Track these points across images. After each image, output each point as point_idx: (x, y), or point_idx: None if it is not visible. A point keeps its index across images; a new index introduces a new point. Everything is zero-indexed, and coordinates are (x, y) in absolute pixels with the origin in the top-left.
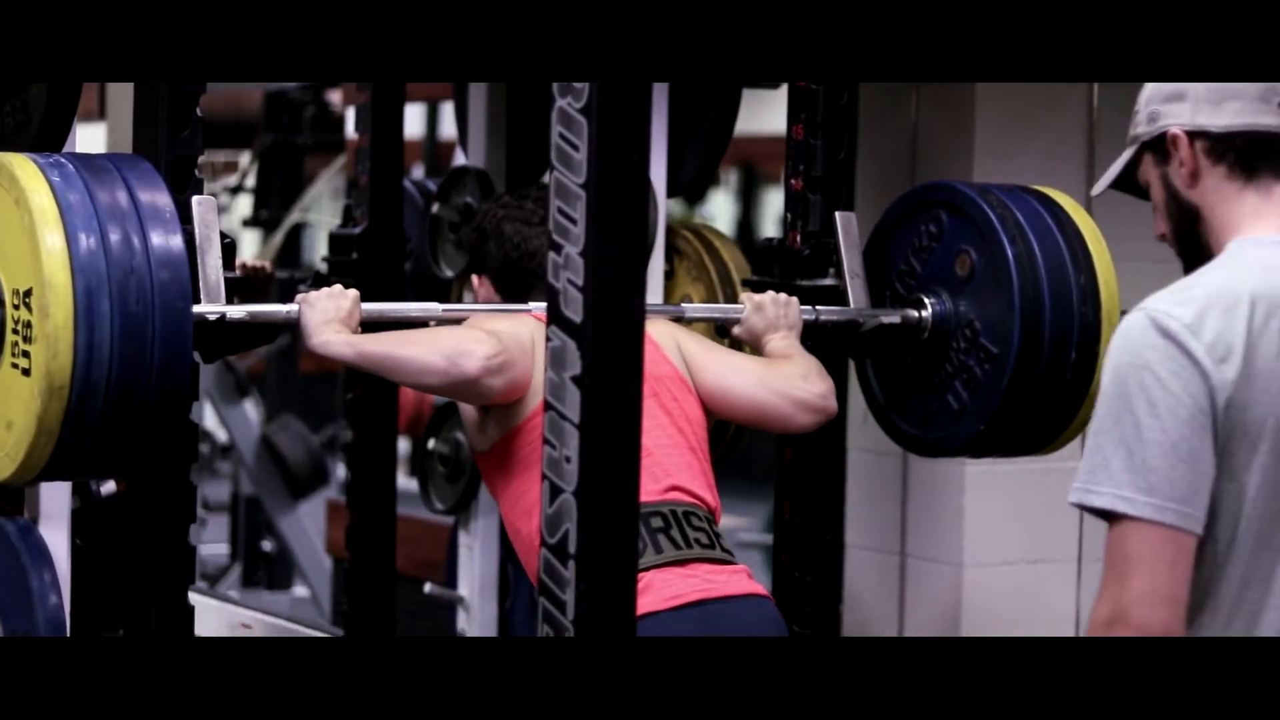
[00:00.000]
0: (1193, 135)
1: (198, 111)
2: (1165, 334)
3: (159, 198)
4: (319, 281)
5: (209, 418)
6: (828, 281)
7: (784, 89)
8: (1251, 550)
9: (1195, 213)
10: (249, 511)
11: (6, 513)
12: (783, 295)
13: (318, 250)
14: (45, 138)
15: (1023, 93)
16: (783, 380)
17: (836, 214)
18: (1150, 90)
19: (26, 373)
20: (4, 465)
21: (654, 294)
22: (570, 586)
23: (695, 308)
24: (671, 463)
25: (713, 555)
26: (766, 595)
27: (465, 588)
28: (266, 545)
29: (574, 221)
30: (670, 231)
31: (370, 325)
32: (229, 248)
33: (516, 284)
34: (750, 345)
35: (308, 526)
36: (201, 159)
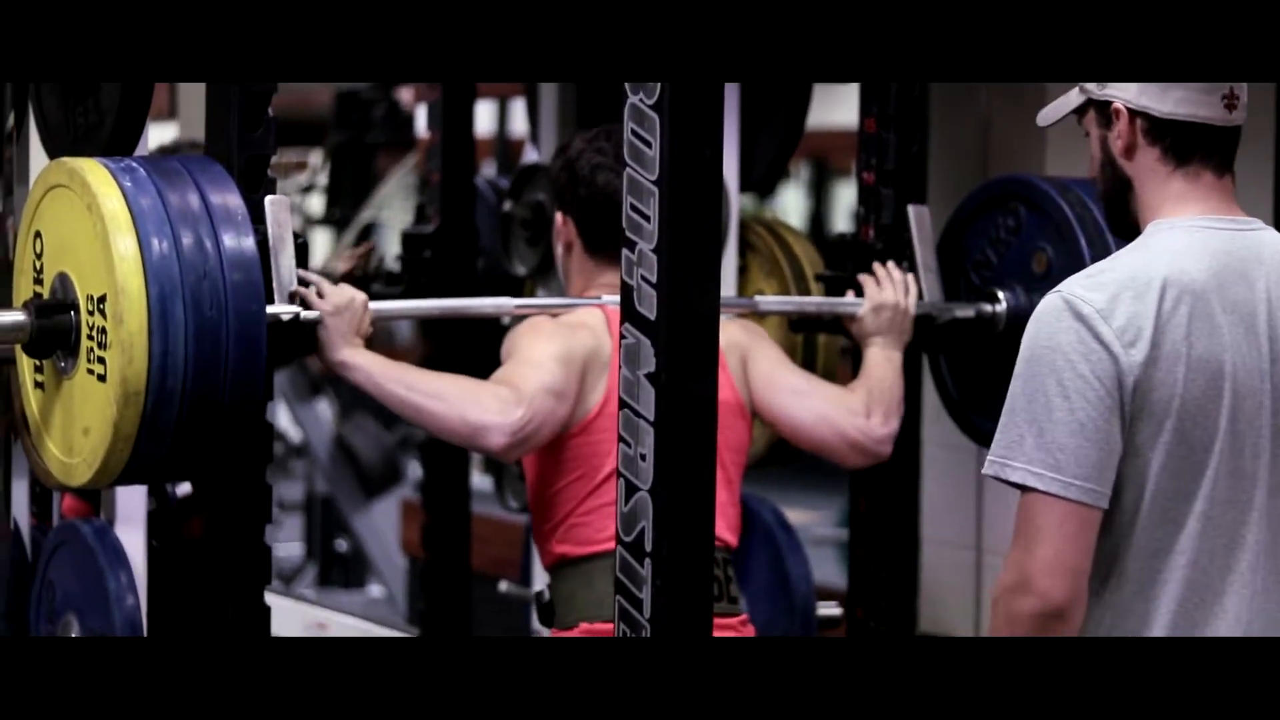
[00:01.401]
0: (1135, 113)
1: (269, 111)
2: (1078, 317)
3: (230, 199)
4: (392, 280)
5: (283, 417)
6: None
7: (855, 82)
8: (1156, 523)
9: (1127, 183)
10: (324, 511)
11: (84, 513)
12: (904, 300)
13: (390, 249)
14: (118, 138)
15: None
16: (844, 417)
17: (909, 207)
18: None
19: (102, 379)
20: (81, 471)
21: (728, 289)
22: (647, 584)
23: (814, 301)
24: None
25: (718, 608)
26: None
27: (540, 585)
28: (341, 545)
29: (647, 218)
30: (743, 226)
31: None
32: (302, 248)
33: (601, 235)
34: (857, 342)
35: (382, 525)
36: (273, 159)
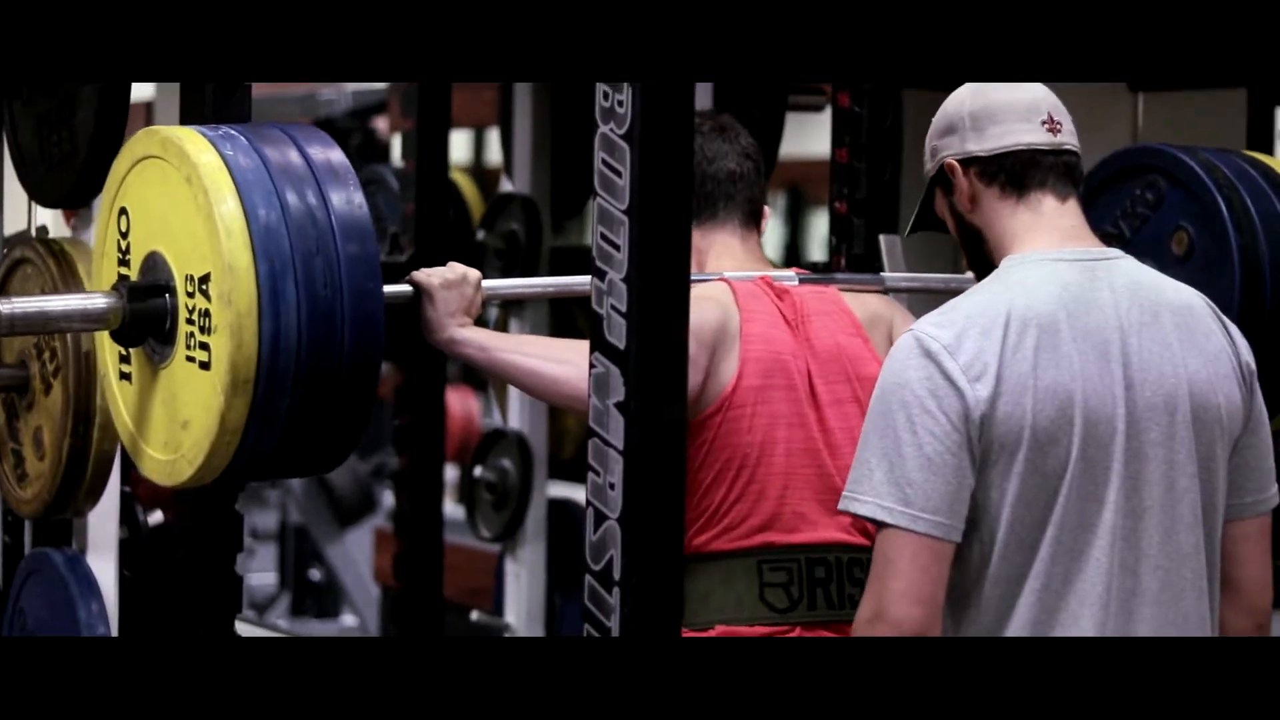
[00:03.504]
0: (965, 162)
1: None
2: (926, 354)
3: (334, 156)
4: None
5: None
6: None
7: (828, 111)
8: (1013, 551)
9: (979, 234)
10: (297, 540)
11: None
12: None
13: None
14: (92, 168)
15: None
16: None
17: (881, 237)
18: (931, 129)
19: (205, 366)
20: (181, 468)
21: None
22: (615, 613)
23: (940, 278)
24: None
25: (826, 614)
26: None
27: (512, 615)
28: (315, 574)
29: (617, 248)
30: None
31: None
32: None
33: (706, 208)
34: None
35: (356, 555)
36: None
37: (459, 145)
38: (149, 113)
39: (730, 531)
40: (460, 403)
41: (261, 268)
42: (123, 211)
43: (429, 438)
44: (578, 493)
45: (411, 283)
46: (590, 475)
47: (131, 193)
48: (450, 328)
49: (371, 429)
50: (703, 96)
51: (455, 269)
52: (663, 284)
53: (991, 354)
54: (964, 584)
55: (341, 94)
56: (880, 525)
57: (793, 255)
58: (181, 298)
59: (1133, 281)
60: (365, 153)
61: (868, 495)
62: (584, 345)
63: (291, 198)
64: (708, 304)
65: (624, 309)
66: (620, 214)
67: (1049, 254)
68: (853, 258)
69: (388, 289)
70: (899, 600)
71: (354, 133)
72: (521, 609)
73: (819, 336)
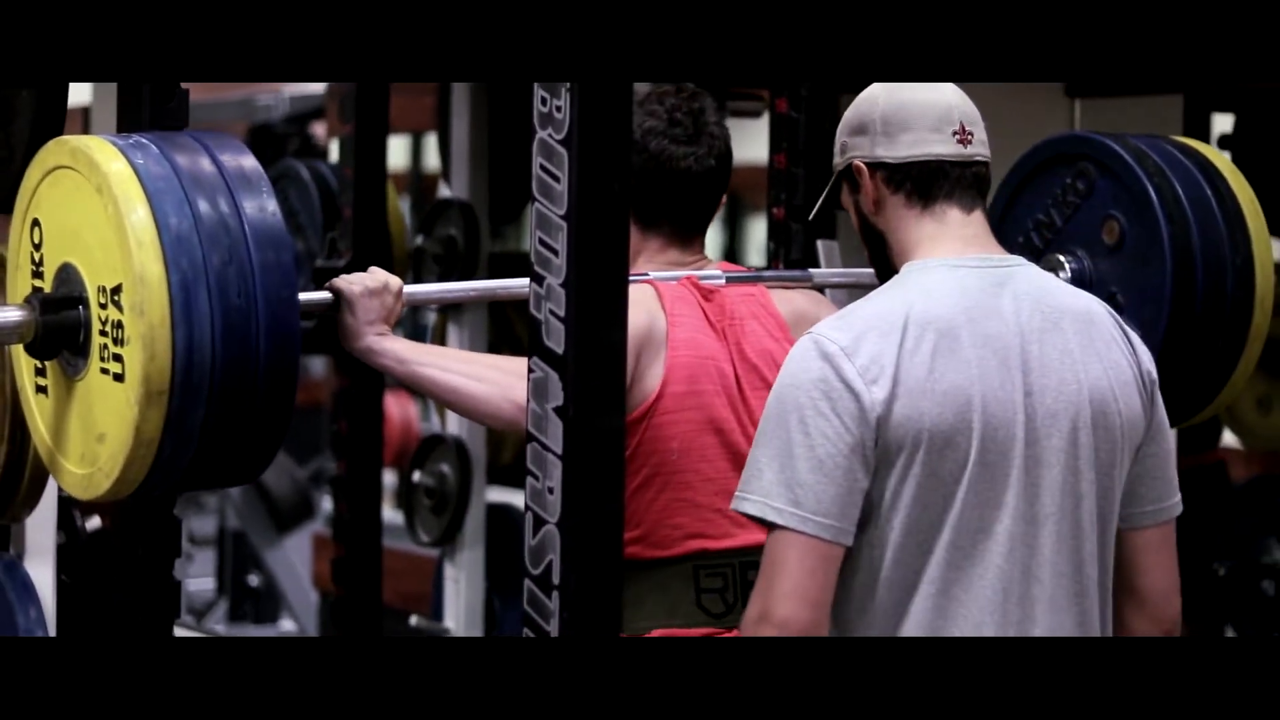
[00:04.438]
0: (873, 166)
1: None
2: (823, 356)
3: (246, 163)
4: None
5: None
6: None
7: (766, 117)
8: (909, 554)
9: (882, 238)
10: (235, 545)
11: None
12: None
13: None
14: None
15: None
16: None
17: (819, 242)
18: (842, 122)
19: (119, 378)
20: (98, 481)
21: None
22: (554, 618)
23: (869, 272)
24: None
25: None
26: None
27: (451, 620)
28: (253, 579)
29: (555, 253)
30: None
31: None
32: None
33: (650, 204)
34: None
35: (294, 560)
36: None
37: (397, 150)
38: (86, 118)
39: (663, 538)
40: (399, 408)
41: (173, 278)
42: (35, 223)
43: (367, 443)
44: (516, 498)
45: (331, 289)
46: (529, 480)
47: (43, 204)
48: (368, 336)
49: (309, 434)
50: None
51: (376, 276)
52: (601, 289)
53: (889, 357)
54: (858, 587)
55: (279, 99)
56: (770, 526)
57: (731, 259)
58: (94, 309)
59: (1034, 289)
60: (303, 158)
61: (757, 495)
62: (504, 362)
63: (203, 206)
64: (633, 309)
65: (563, 314)
66: (559, 219)
67: (951, 260)
68: (791, 263)
69: (308, 296)
70: (785, 601)
71: (291, 137)
72: (461, 614)
73: (748, 341)
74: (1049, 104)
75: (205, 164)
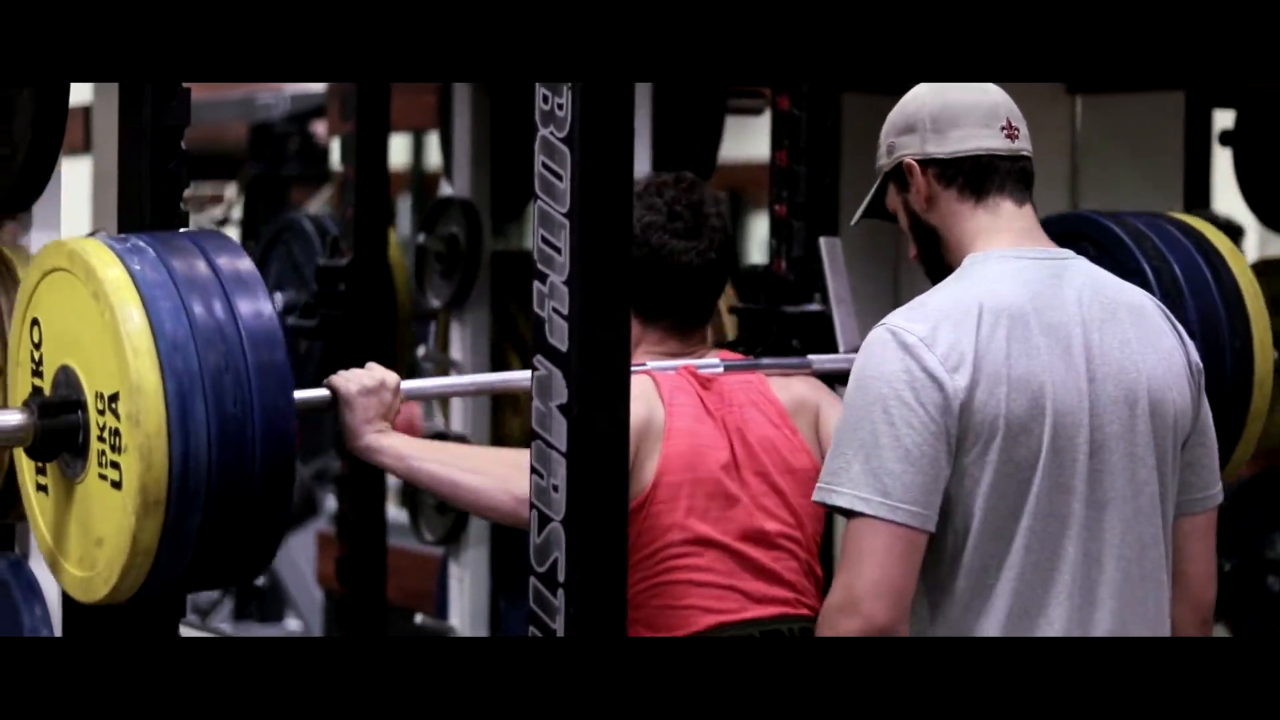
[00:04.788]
0: (924, 163)
1: (183, 144)
2: (903, 347)
3: (243, 266)
4: (306, 313)
5: None
6: (813, 307)
7: (768, 115)
8: (987, 541)
9: (935, 234)
10: None
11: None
12: None
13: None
14: (31, 170)
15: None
16: None
17: (821, 239)
18: (887, 124)
19: (117, 485)
20: (96, 586)
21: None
22: (560, 614)
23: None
24: (783, 565)
25: None
26: None
27: (456, 618)
28: (258, 578)
29: (558, 250)
30: None
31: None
32: None
33: (651, 297)
34: None
35: (299, 558)
36: (187, 192)
37: (398, 149)
38: (87, 117)
39: (675, 621)
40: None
41: (170, 387)
42: (34, 322)
43: None
44: None
45: (329, 387)
46: (534, 478)
47: (43, 304)
48: (367, 435)
49: (314, 433)
50: (642, 99)
51: (373, 374)
52: (604, 286)
53: (967, 344)
54: (937, 574)
55: (280, 98)
56: (854, 515)
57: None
58: (93, 414)
59: (1091, 280)
60: (303, 157)
61: (845, 487)
62: (503, 455)
63: (199, 312)
64: (632, 402)
65: (566, 311)
66: (561, 217)
67: (1009, 252)
68: (792, 260)
69: (305, 394)
70: (871, 591)
71: (292, 137)
72: (465, 612)
73: (749, 428)
74: (1050, 101)
75: (201, 267)
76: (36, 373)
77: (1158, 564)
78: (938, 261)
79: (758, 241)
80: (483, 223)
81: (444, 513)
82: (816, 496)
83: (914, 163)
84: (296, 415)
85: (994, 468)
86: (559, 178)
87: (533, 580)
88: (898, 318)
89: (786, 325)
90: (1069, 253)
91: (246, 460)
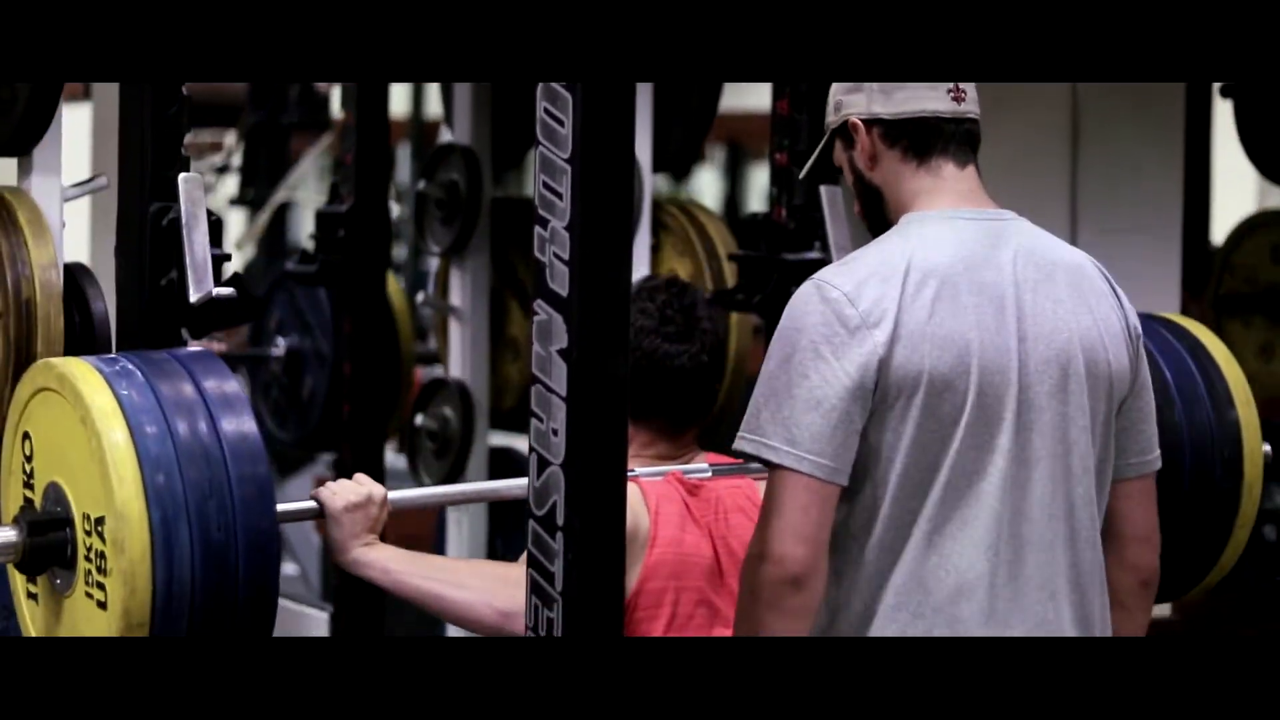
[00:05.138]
0: (869, 123)
1: (183, 90)
2: (825, 301)
3: (229, 388)
4: (306, 259)
5: None
6: (813, 255)
7: None
8: (906, 494)
9: (878, 193)
10: None
11: None
12: None
13: (304, 229)
14: (31, 117)
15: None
16: None
17: (822, 188)
18: (835, 82)
19: (102, 605)
20: None
21: (640, 268)
22: (559, 557)
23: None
24: None
25: None
26: None
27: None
28: None
29: (560, 196)
30: (656, 207)
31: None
32: (216, 225)
33: (641, 401)
34: None
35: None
36: (187, 139)
37: (398, 97)
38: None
39: None
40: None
41: (154, 515)
42: (26, 436)
43: (370, 385)
44: (519, 443)
45: (316, 500)
46: (533, 422)
47: (34, 420)
48: (354, 549)
49: None
50: None
51: (360, 487)
52: (605, 232)
53: (890, 301)
54: (856, 528)
55: None
56: (770, 466)
57: (733, 208)
58: (80, 534)
59: (1028, 241)
60: (303, 105)
61: (756, 435)
62: (487, 568)
63: (185, 437)
64: None
65: (566, 256)
66: (563, 162)
67: (948, 212)
68: (793, 209)
69: (293, 506)
70: (783, 539)
71: (292, 85)
72: (463, 555)
73: (734, 534)
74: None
75: (188, 390)
76: (28, 484)
77: (1089, 524)
78: (880, 219)
79: (758, 190)
80: (483, 169)
81: (442, 457)
82: (735, 444)
83: (859, 122)
84: (280, 523)
85: (916, 423)
86: (560, 123)
87: (531, 524)
88: (827, 272)
89: (786, 273)
90: (1010, 214)
91: (230, 581)
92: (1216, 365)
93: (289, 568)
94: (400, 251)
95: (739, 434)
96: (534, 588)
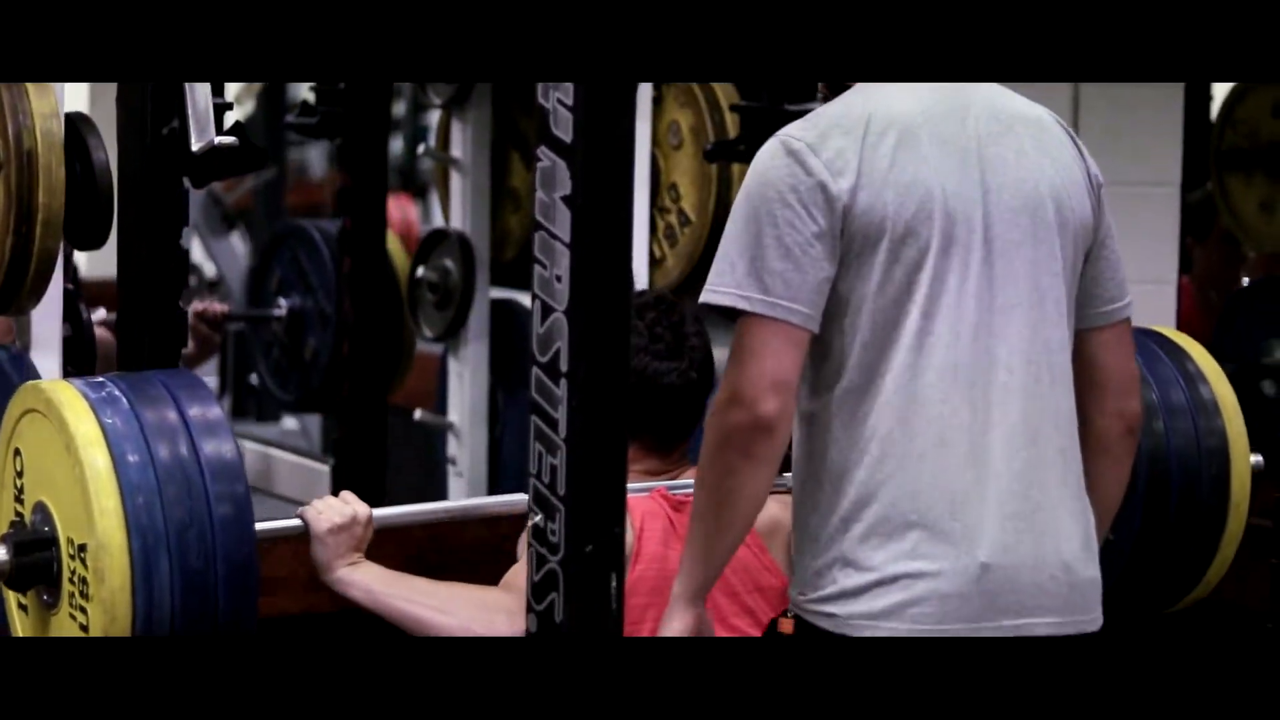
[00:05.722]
0: None
1: None
2: (789, 153)
3: (211, 414)
4: (306, 111)
5: (197, 250)
6: (815, 105)
7: None
8: (874, 339)
9: None
10: (237, 344)
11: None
12: None
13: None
14: None
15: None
16: None
17: None
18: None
19: (85, 629)
20: None
21: (642, 120)
22: (562, 403)
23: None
24: None
25: None
26: None
27: (455, 414)
28: (255, 378)
29: None
30: None
31: (388, 532)
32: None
33: (633, 419)
34: None
35: None
36: None
37: None
38: None
39: None
40: (398, 207)
41: (135, 544)
42: (17, 452)
43: (371, 241)
44: (520, 296)
45: (301, 519)
46: (536, 268)
47: (24, 438)
48: (338, 569)
49: None
50: None
51: (346, 507)
52: (609, 82)
53: (853, 151)
54: (826, 375)
55: None
56: (740, 315)
57: None
58: (65, 557)
59: (989, 97)
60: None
61: (728, 287)
62: (468, 593)
63: (166, 464)
64: None
65: (570, 102)
66: None
67: None
68: None
69: (277, 524)
70: (754, 384)
71: None
72: (465, 408)
73: None
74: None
75: (171, 416)
76: (19, 499)
77: (1065, 368)
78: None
79: None
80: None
81: (443, 309)
82: (701, 299)
83: None
84: (259, 545)
85: (881, 269)
86: None
87: (535, 370)
88: (790, 127)
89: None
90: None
91: (209, 609)
92: (1207, 384)
93: (288, 422)
94: (400, 108)
95: (707, 288)
96: (538, 434)
